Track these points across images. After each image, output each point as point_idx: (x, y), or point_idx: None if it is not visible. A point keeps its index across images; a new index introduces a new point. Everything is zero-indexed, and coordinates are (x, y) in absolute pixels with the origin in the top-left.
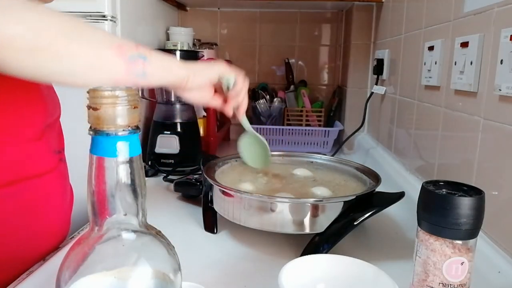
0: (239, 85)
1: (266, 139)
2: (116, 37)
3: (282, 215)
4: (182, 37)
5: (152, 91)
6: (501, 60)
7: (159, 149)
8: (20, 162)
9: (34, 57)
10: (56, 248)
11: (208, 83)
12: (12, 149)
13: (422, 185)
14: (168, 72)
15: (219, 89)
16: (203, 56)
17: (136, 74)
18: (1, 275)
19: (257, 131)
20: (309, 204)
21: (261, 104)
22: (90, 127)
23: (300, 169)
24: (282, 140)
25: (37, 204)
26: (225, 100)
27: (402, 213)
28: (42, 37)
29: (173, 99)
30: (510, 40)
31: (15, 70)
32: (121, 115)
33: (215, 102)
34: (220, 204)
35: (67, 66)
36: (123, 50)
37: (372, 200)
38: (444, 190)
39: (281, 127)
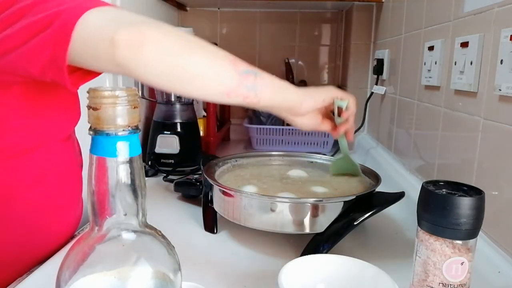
0: (351, 109)
1: (266, 139)
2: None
3: (282, 215)
4: None
5: (152, 91)
6: (501, 60)
7: (159, 149)
8: (51, 160)
9: (162, 66)
10: (58, 250)
11: (321, 106)
12: (46, 148)
13: (422, 185)
14: (279, 92)
15: (325, 114)
16: None
17: (247, 87)
18: (3, 274)
19: (257, 131)
20: (309, 204)
21: None
22: (90, 127)
23: (295, 170)
24: (282, 140)
25: (57, 204)
26: (334, 125)
27: (402, 213)
28: (172, 53)
29: (173, 99)
30: (510, 40)
31: (146, 74)
32: (121, 115)
33: (325, 127)
34: (220, 204)
35: (187, 74)
36: (237, 63)
37: (372, 200)
38: (444, 190)
39: (281, 127)
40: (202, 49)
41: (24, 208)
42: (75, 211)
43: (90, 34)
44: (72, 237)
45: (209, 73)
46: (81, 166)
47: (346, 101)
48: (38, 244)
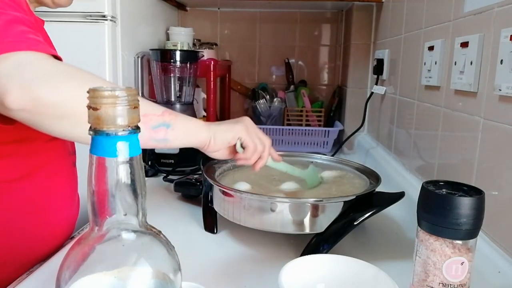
0: (248, 153)
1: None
2: (144, 102)
3: (282, 215)
4: (182, 37)
5: (152, 91)
6: (501, 60)
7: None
8: (38, 160)
9: (63, 123)
10: (57, 251)
11: (227, 146)
12: (32, 147)
13: (422, 185)
14: (190, 137)
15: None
16: (203, 56)
17: (158, 141)
18: (2, 274)
19: None
20: (309, 204)
21: (261, 104)
22: (90, 127)
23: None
24: (282, 140)
25: (49, 203)
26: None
27: (402, 213)
28: (70, 107)
29: (173, 99)
30: (510, 40)
31: (47, 131)
32: (121, 115)
33: (235, 158)
34: (220, 204)
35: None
36: (148, 119)
37: (372, 200)
38: (444, 190)
39: (281, 127)
40: None
41: (11, 208)
42: (69, 211)
43: None
44: (71, 238)
45: None
46: (74, 164)
47: (241, 144)
48: (30, 246)
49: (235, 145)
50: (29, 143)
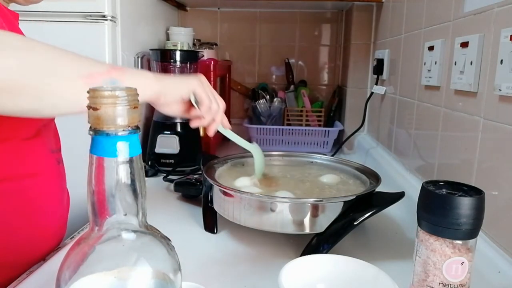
0: (203, 109)
1: (266, 139)
2: (89, 62)
3: (282, 215)
4: (182, 37)
5: None
6: (501, 60)
7: (159, 149)
8: (16, 160)
9: (14, 98)
10: (51, 251)
11: (179, 100)
12: (7, 146)
13: (422, 185)
14: (141, 92)
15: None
16: (203, 56)
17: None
18: None
19: (257, 131)
20: (309, 204)
21: (261, 104)
22: (90, 127)
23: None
24: (282, 140)
25: (34, 205)
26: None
27: (402, 213)
28: (19, 81)
29: None
30: (510, 40)
31: None
32: (121, 115)
33: (188, 116)
34: (220, 204)
35: (44, 103)
36: (93, 77)
37: (372, 200)
38: (444, 190)
39: (281, 127)
40: (55, 71)
41: None
42: (57, 211)
43: None
44: (71, 238)
45: (66, 96)
46: (59, 162)
47: (195, 97)
48: (19, 248)
49: (189, 102)
50: (4, 143)
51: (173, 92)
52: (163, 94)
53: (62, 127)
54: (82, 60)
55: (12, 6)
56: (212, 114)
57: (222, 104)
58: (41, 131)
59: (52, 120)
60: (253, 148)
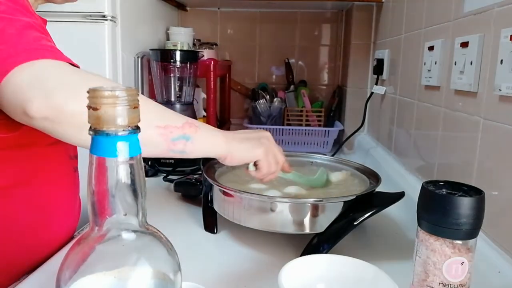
0: (259, 174)
1: None
2: (169, 115)
3: (282, 215)
4: (182, 37)
5: (152, 91)
6: (501, 60)
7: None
8: (38, 165)
9: (84, 132)
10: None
11: (242, 164)
12: (32, 151)
13: (422, 185)
14: (208, 151)
15: None
16: (203, 56)
17: (175, 152)
18: (1, 278)
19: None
20: (309, 204)
21: (261, 104)
22: (90, 127)
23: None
24: (282, 140)
25: (47, 210)
26: None
27: (402, 213)
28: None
29: (173, 99)
30: (510, 40)
31: (68, 140)
32: (121, 115)
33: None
34: (220, 204)
35: None
36: (168, 130)
37: (372, 200)
38: (444, 190)
39: (281, 127)
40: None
41: (8, 215)
42: (69, 217)
43: (10, 94)
44: (72, 238)
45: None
46: (76, 169)
47: (258, 165)
48: (28, 252)
49: None
50: (28, 148)
51: (238, 157)
52: (229, 157)
53: None
54: (165, 111)
55: (42, 7)
56: (270, 174)
57: (281, 159)
58: None
59: None
60: (316, 182)
